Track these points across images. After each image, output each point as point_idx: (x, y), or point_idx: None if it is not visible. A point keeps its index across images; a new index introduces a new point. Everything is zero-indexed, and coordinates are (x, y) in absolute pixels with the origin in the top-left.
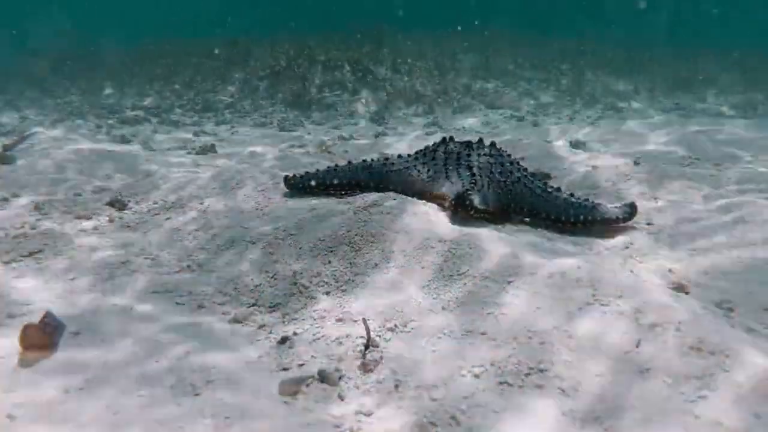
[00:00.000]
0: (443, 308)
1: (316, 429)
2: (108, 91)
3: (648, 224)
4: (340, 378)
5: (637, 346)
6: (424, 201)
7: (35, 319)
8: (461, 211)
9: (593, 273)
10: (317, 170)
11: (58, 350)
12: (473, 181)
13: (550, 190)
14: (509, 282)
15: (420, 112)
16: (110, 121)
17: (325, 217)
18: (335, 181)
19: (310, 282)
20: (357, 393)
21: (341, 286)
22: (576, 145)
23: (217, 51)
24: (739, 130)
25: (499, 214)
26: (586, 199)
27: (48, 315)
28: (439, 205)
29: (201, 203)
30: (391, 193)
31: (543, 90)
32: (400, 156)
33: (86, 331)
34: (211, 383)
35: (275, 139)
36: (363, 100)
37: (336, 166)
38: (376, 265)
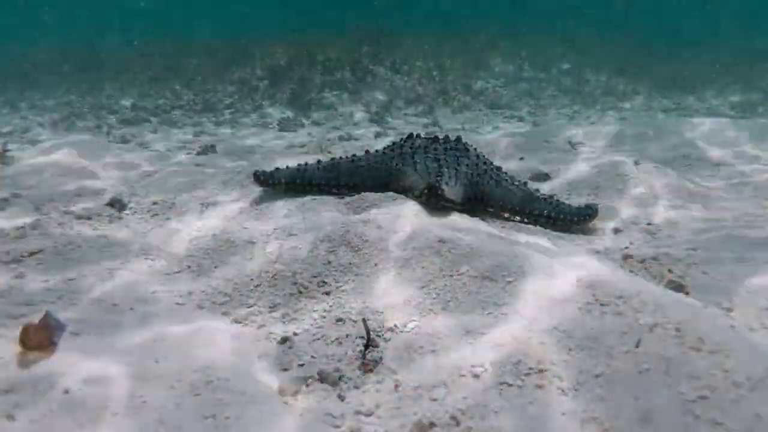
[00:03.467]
0: (443, 308)
1: (316, 429)
2: (108, 91)
3: (648, 224)
4: (340, 378)
5: (636, 346)
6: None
7: (35, 319)
8: (432, 200)
9: (593, 273)
10: (287, 166)
11: (58, 350)
12: (440, 173)
13: (516, 183)
14: (509, 282)
15: (420, 112)
16: (110, 121)
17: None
18: (305, 179)
19: (310, 282)
20: (357, 393)
21: (341, 286)
22: (575, 145)
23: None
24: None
25: (466, 205)
26: (551, 196)
27: (48, 315)
28: (407, 197)
29: (201, 203)
30: (391, 194)
31: (543, 90)
32: (367, 152)
33: (87, 332)
34: (211, 383)
35: (276, 139)
36: (363, 100)
37: (306, 163)
38: (376, 265)
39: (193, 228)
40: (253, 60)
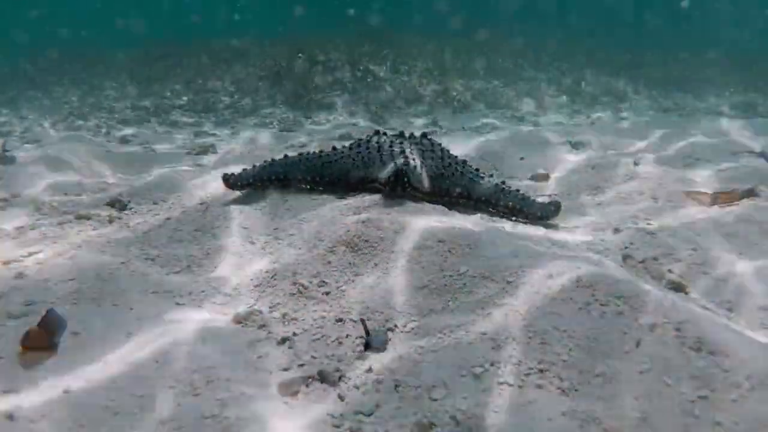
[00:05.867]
0: (443, 308)
1: (316, 429)
2: (108, 91)
3: (648, 224)
4: (340, 378)
5: (636, 346)
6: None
7: (35, 319)
8: (398, 189)
9: (593, 273)
10: (254, 165)
11: (59, 350)
12: (406, 163)
13: (482, 175)
14: (509, 282)
15: (420, 112)
16: (110, 122)
17: (322, 216)
18: (273, 177)
19: (310, 282)
20: (357, 393)
21: (341, 286)
22: (576, 145)
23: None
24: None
25: (432, 196)
26: (517, 190)
27: (49, 314)
28: (374, 189)
29: (201, 203)
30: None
31: (543, 90)
32: (334, 148)
33: (86, 332)
34: (211, 383)
35: (275, 138)
36: (363, 101)
37: (272, 160)
38: (376, 265)
39: (192, 229)
40: (253, 60)
